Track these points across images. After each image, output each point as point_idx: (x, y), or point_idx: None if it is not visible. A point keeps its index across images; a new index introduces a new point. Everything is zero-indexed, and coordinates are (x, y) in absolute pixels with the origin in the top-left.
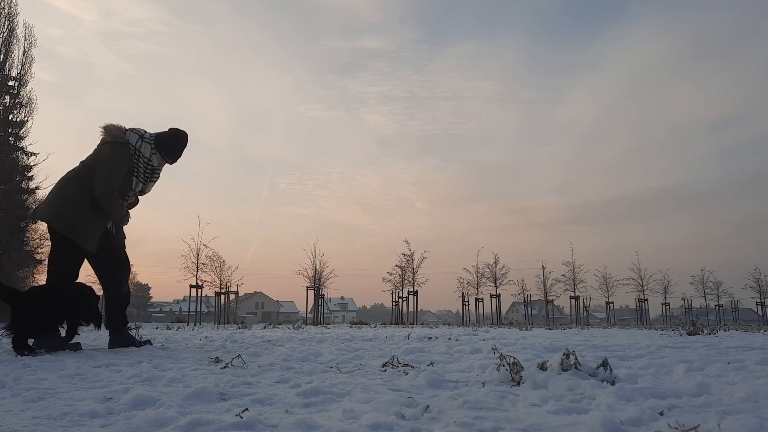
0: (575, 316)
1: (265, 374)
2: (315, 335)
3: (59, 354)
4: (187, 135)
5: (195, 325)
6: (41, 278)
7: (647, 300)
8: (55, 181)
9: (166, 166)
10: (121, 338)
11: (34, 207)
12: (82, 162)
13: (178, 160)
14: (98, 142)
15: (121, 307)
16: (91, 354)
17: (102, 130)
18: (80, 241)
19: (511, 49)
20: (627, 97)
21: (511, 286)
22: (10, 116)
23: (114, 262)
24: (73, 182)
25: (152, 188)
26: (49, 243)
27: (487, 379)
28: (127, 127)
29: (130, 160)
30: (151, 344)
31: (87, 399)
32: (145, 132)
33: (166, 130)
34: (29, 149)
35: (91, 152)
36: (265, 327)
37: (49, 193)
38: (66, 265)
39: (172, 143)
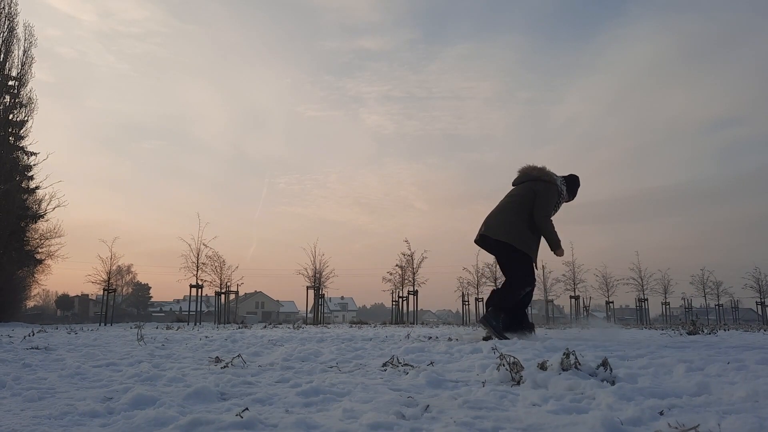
0: (575, 315)
1: (265, 374)
2: (315, 335)
3: (59, 353)
4: (579, 179)
5: (195, 324)
6: (41, 278)
7: (647, 300)
8: (493, 209)
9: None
10: (490, 322)
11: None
12: (509, 194)
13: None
14: (519, 176)
15: (505, 301)
16: (91, 354)
17: (533, 170)
18: (530, 252)
19: (510, 50)
20: (626, 97)
21: None
22: (10, 116)
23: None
24: (514, 209)
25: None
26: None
27: (487, 378)
28: (545, 167)
29: (558, 197)
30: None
31: (87, 398)
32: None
33: (567, 174)
34: (29, 149)
35: (513, 186)
36: (265, 327)
37: (497, 218)
38: (524, 272)
39: (575, 185)
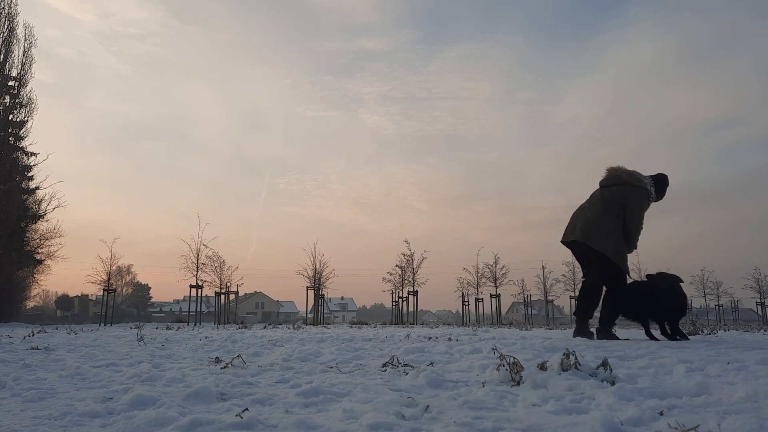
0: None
1: (265, 374)
2: (315, 335)
3: (59, 354)
4: (668, 178)
5: (195, 325)
6: (41, 278)
7: None
8: (577, 210)
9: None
10: (606, 333)
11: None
12: (603, 199)
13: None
14: (607, 178)
15: (605, 309)
16: (91, 354)
17: (624, 174)
18: (620, 263)
19: (509, 50)
20: (626, 98)
21: (511, 286)
22: (10, 116)
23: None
24: (611, 218)
25: None
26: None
27: (487, 379)
28: (634, 171)
29: (648, 200)
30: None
31: (87, 399)
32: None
33: (655, 174)
34: (29, 149)
35: (600, 186)
36: (265, 327)
37: (595, 226)
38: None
39: (664, 186)
